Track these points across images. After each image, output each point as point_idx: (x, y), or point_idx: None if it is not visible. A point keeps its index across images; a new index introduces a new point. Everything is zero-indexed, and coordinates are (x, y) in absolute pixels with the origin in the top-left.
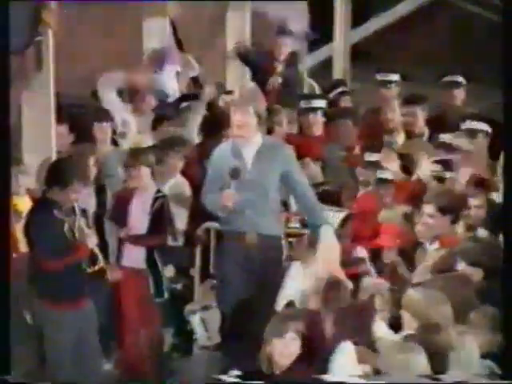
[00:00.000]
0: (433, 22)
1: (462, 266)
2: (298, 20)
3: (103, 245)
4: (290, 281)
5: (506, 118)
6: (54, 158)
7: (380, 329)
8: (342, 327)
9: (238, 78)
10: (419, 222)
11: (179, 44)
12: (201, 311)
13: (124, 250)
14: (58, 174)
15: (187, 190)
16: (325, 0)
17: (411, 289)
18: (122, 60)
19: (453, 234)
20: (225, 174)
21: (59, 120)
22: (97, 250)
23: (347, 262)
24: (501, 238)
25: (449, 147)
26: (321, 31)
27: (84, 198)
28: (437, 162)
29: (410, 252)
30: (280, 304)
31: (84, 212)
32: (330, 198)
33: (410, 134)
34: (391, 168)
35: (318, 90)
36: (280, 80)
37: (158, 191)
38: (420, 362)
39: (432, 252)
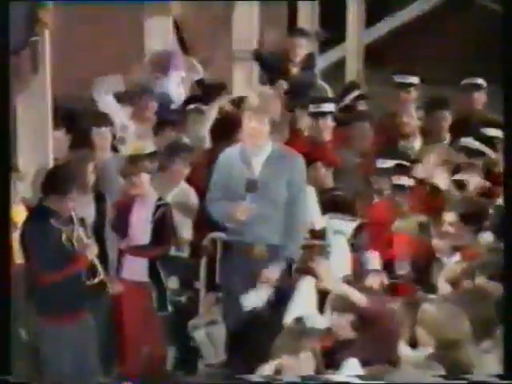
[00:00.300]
0: (450, 20)
1: (481, 280)
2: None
3: (103, 256)
4: (300, 296)
5: (506, 118)
6: (50, 164)
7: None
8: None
9: (245, 79)
10: (437, 232)
11: (183, 44)
12: (206, 326)
13: (124, 262)
14: (55, 181)
15: (193, 198)
16: None
17: (426, 303)
18: (122, 62)
19: (475, 245)
20: (233, 181)
21: (56, 124)
22: (96, 262)
23: (361, 274)
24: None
25: (471, 152)
26: (332, 30)
27: (82, 206)
28: (456, 168)
29: (424, 264)
30: (289, 319)
31: (82, 221)
32: (342, 205)
33: (429, 140)
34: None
35: (330, 93)
36: (285, 85)
37: (160, 199)
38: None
39: (451, 265)
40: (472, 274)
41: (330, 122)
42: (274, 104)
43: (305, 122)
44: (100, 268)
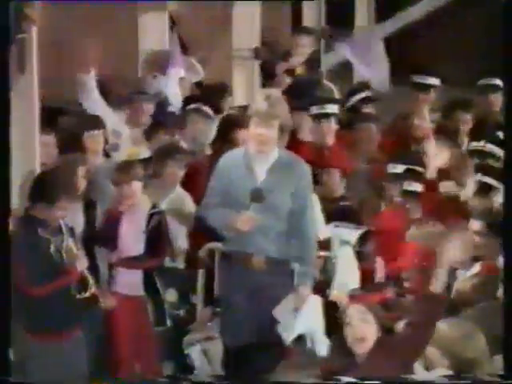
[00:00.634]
0: (466, 17)
1: (500, 294)
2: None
3: (93, 268)
4: (304, 312)
5: (506, 118)
6: (38, 170)
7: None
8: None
9: (246, 79)
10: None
11: (180, 43)
12: (202, 342)
13: (116, 275)
14: (42, 188)
15: (189, 205)
16: None
17: (441, 322)
18: (114, 61)
19: (496, 258)
20: (233, 187)
21: (44, 127)
22: (87, 274)
23: (370, 286)
24: None
25: (484, 156)
26: (339, 28)
27: (72, 214)
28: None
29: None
30: (289, 337)
31: (72, 231)
32: (348, 213)
33: (444, 144)
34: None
35: (336, 94)
36: (288, 80)
37: (154, 207)
38: None
39: (468, 278)
40: (492, 288)
41: (333, 125)
42: (283, 107)
43: (307, 125)
44: (91, 281)
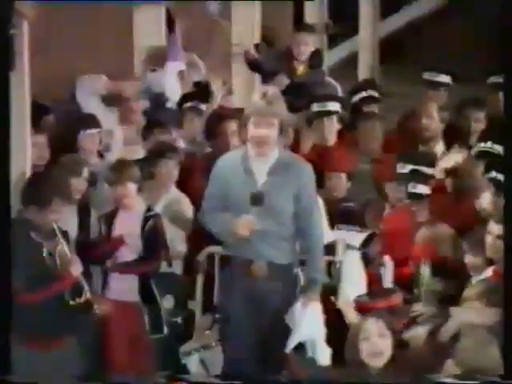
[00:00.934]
0: (475, 12)
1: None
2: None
3: (88, 273)
4: (306, 320)
5: (506, 118)
6: (29, 172)
7: None
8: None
9: (246, 76)
10: (471, 246)
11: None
12: (199, 351)
13: (110, 281)
14: (35, 191)
15: (186, 207)
16: None
17: (465, 338)
18: (108, 57)
19: None
20: (232, 191)
21: (36, 127)
22: (82, 279)
23: (377, 293)
24: None
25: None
26: (343, 22)
27: (65, 218)
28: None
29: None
30: (290, 345)
31: (66, 235)
32: (351, 216)
33: (454, 145)
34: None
35: (340, 92)
36: (287, 80)
37: (149, 209)
38: None
39: (474, 284)
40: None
41: (335, 123)
42: (281, 104)
43: (308, 124)
44: (86, 286)
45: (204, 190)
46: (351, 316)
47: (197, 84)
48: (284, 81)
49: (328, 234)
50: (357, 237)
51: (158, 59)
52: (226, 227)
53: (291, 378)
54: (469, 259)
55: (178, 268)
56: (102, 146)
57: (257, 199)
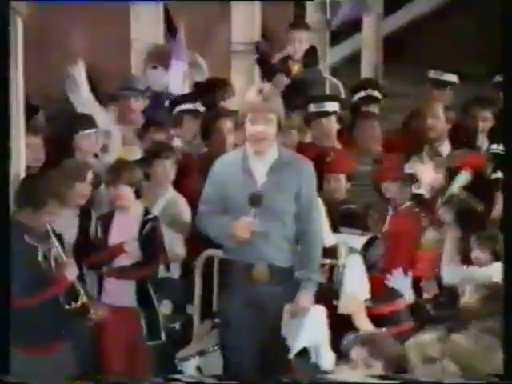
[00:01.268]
0: (481, 8)
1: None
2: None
3: (83, 277)
4: (310, 324)
5: (506, 117)
6: (23, 174)
7: None
8: None
9: (246, 75)
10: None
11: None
12: (197, 357)
13: (106, 285)
14: (29, 192)
15: (184, 210)
16: None
17: (457, 334)
18: (106, 56)
19: None
20: (231, 192)
21: (30, 127)
22: (78, 284)
23: (380, 297)
24: None
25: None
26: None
27: (64, 221)
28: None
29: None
30: (294, 350)
31: (60, 237)
32: (353, 218)
33: (460, 145)
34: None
35: (342, 91)
36: (286, 80)
37: (147, 212)
38: None
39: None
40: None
41: (334, 124)
42: (277, 101)
43: (306, 124)
44: (82, 291)
45: (199, 191)
46: (362, 321)
47: (198, 84)
48: (284, 80)
49: (330, 237)
50: (358, 240)
51: (159, 57)
52: (225, 230)
53: (292, 379)
54: (476, 254)
55: (175, 272)
56: (100, 147)
57: (256, 200)
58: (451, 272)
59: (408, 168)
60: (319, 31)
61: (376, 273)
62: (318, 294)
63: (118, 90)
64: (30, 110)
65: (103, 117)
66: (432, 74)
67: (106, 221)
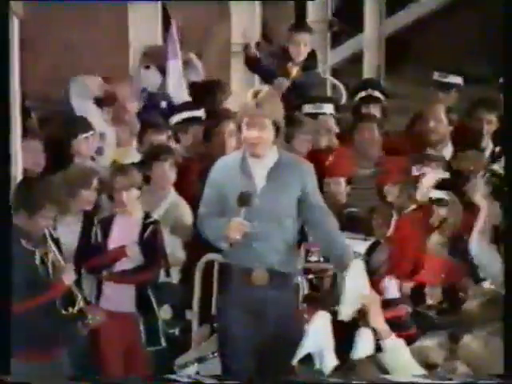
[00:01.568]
0: (485, 9)
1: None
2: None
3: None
4: (314, 330)
5: (506, 117)
6: (20, 176)
7: None
8: None
9: (245, 76)
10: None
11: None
12: (196, 364)
13: (105, 290)
14: (25, 196)
15: (185, 212)
16: None
17: (468, 337)
18: (103, 54)
19: None
20: (231, 195)
21: (29, 130)
22: (75, 288)
23: (382, 303)
24: None
25: None
26: (348, 19)
27: (67, 227)
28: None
29: (456, 290)
30: (297, 356)
31: (57, 242)
32: (355, 223)
33: (464, 148)
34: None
35: (344, 93)
36: (288, 82)
37: (147, 215)
38: None
39: (477, 293)
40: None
41: (332, 126)
42: (275, 104)
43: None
44: (79, 295)
45: (198, 193)
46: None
47: (193, 84)
48: (285, 83)
49: None
50: (361, 245)
51: (153, 58)
52: (221, 232)
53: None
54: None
55: (174, 277)
56: (95, 150)
57: (245, 200)
58: (480, 249)
59: (416, 170)
60: (320, 32)
61: (379, 278)
62: (321, 301)
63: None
64: (23, 112)
65: (98, 118)
66: (436, 76)
67: (106, 224)
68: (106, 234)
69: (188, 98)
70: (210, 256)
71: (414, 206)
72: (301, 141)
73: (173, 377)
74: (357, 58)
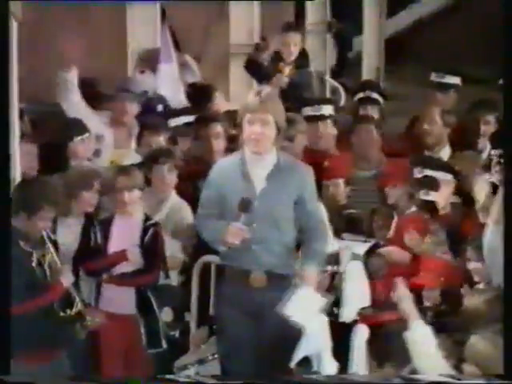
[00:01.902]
0: (484, 10)
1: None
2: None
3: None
4: (311, 333)
5: (506, 116)
6: (18, 178)
7: None
8: None
9: (244, 77)
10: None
11: (172, 38)
12: (196, 365)
13: (104, 292)
14: (23, 198)
15: (186, 215)
16: None
17: (475, 336)
18: (101, 55)
19: None
20: (229, 197)
21: (24, 132)
22: (73, 290)
23: (382, 305)
24: None
25: None
26: (347, 21)
27: (67, 229)
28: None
29: (458, 294)
30: (295, 359)
31: (55, 243)
32: (355, 225)
33: (461, 149)
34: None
35: (343, 94)
36: (286, 80)
37: (147, 218)
38: None
39: (479, 292)
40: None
41: (330, 128)
42: (276, 103)
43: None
44: (78, 297)
45: (195, 196)
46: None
47: (192, 85)
48: (282, 80)
49: (331, 244)
50: (361, 247)
51: (148, 61)
52: (219, 235)
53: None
54: (473, 265)
55: (174, 280)
56: (92, 152)
57: (245, 205)
58: (495, 235)
59: (417, 173)
60: (320, 33)
61: (378, 280)
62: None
63: (114, 92)
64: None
65: (95, 121)
66: (434, 76)
67: (106, 226)
68: (105, 235)
69: (185, 101)
70: (206, 258)
71: (415, 208)
72: (298, 140)
73: (172, 377)
74: (356, 60)
